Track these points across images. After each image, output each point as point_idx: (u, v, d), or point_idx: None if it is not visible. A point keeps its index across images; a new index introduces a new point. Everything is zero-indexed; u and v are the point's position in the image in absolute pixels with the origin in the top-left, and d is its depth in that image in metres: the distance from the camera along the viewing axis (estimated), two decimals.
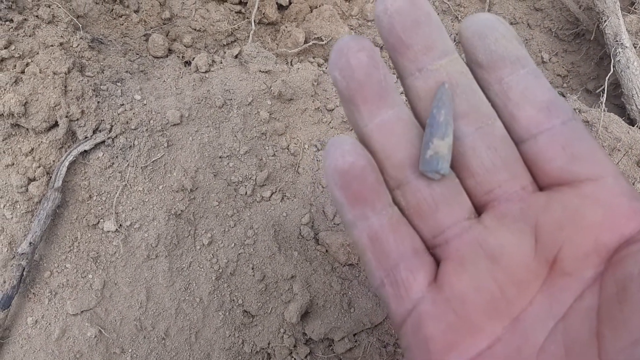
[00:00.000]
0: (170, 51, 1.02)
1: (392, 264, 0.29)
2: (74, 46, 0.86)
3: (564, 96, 1.14)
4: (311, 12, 1.12)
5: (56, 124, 0.80)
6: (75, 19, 0.89)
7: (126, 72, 0.90)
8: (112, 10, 0.99)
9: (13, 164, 0.80)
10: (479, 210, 0.30)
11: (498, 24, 0.28)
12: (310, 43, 1.07)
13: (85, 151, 0.81)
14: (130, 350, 0.81)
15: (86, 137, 0.80)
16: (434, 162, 0.28)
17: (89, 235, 0.82)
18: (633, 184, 0.92)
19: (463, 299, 0.28)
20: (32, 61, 0.81)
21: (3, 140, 0.80)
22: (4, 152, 0.80)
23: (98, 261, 0.82)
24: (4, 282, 0.77)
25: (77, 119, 0.80)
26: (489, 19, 0.28)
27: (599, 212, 0.26)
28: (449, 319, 0.28)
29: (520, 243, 0.28)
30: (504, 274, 0.28)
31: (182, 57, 1.02)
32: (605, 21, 1.09)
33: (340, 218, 0.33)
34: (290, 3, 1.12)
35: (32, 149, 0.80)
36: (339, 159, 0.28)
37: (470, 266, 0.28)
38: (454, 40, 1.23)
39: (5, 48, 0.80)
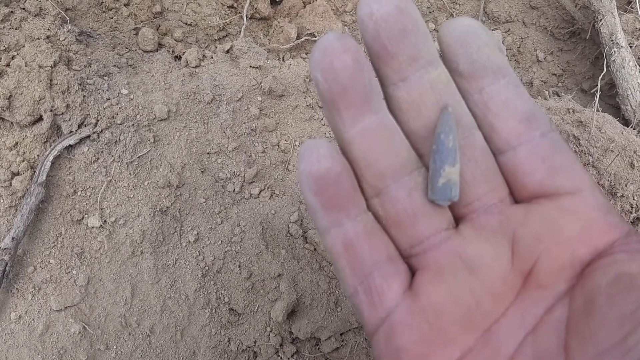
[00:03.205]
0: (160, 45, 1.01)
1: (366, 272, 0.28)
2: (61, 39, 0.85)
3: (559, 95, 1.13)
4: (304, 7, 1.11)
5: (41, 118, 0.79)
6: (63, 12, 0.88)
7: (114, 66, 0.89)
8: (102, 3, 0.98)
9: None
10: (456, 220, 0.30)
11: (481, 31, 0.27)
12: (303, 39, 1.06)
13: (70, 146, 0.80)
14: (115, 347, 0.81)
15: (71, 132, 0.79)
16: (447, 190, 0.27)
17: (73, 231, 0.81)
18: (626, 185, 0.91)
19: (439, 309, 0.27)
20: (17, 54, 0.80)
21: None
22: None
23: (82, 257, 0.81)
24: None
25: (62, 113, 0.79)
26: (471, 25, 0.27)
27: (577, 226, 0.26)
28: (422, 330, 0.27)
29: (498, 255, 0.27)
30: (481, 286, 0.27)
31: (173, 51, 1.01)
32: (601, 20, 1.08)
33: (314, 223, 0.32)
34: None
35: (16, 143, 0.79)
36: (315, 163, 0.27)
37: (448, 276, 0.28)
38: None
39: None
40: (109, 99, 0.83)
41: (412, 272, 0.30)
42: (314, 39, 1.06)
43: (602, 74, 1.01)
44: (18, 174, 0.79)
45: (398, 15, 0.26)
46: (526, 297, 0.27)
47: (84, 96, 0.81)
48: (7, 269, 0.77)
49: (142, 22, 1.01)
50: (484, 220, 0.28)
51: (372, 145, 0.28)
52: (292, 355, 0.83)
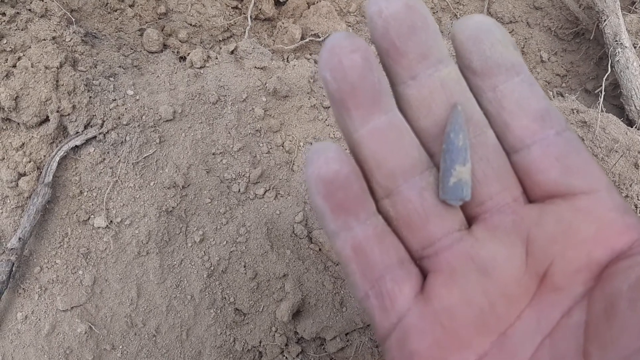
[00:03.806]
0: (165, 46, 1.01)
1: (377, 276, 0.28)
2: (66, 40, 0.85)
3: (563, 96, 1.13)
4: (308, 8, 1.11)
5: (47, 119, 0.79)
6: (68, 13, 0.89)
7: (119, 67, 0.90)
8: (107, 4, 0.98)
9: (3, 158, 0.79)
10: (469, 221, 0.29)
11: (494, 28, 0.26)
12: (307, 40, 1.06)
13: (76, 146, 0.80)
14: (120, 347, 0.81)
15: (77, 132, 0.80)
16: (459, 190, 0.27)
17: (80, 231, 0.82)
18: (630, 185, 0.91)
19: (452, 312, 0.27)
20: (24, 55, 0.80)
21: None
22: None
23: (88, 257, 0.81)
24: None
25: (69, 114, 0.79)
26: (484, 22, 0.26)
27: (593, 226, 0.26)
28: (436, 334, 0.27)
29: (512, 256, 0.27)
30: (495, 288, 0.27)
31: (177, 52, 1.02)
32: (605, 20, 1.08)
33: (323, 228, 0.31)
34: None
35: (23, 144, 0.80)
36: (323, 166, 0.26)
37: (460, 279, 0.27)
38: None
39: None
40: (115, 99, 0.83)
41: (424, 274, 0.29)
42: (318, 39, 1.06)
43: (607, 74, 1.02)
44: (25, 174, 0.79)
45: (407, 12, 0.26)
46: (542, 300, 0.26)
47: (90, 97, 0.81)
48: (13, 269, 0.77)
49: (147, 23, 1.02)
50: (497, 220, 0.28)
51: (382, 145, 0.27)
52: (297, 355, 0.83)
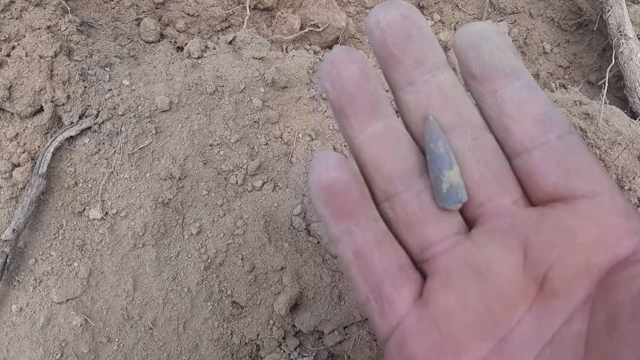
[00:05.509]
0: (162, 36, 1.00)
1: (376, 280, 0.28)
2: (62, 29, 0.84)
3: (566, 88, 1.12)
4: None
5: (41, 109, 0.78)
6: (64, 2, 0.87)
7: (115, 56, 0.88)
8: None
9: None
10: (469, 224, 0.29)
11: (493, 35, 0.27)
12: (306, 30, 1.05)
13: (71, 137, 0.79)
14: (117, 340, 0.80)
15: (72, 123, 0.79)
16: (454, 194, 0.28)
17: (75, 223, 0.81)
18: (634, 178, 0.90)
19: (449, 317, 0.27)
20: (18, 44, 0.79)
21: None
22: None
23: (84, 249, 0.80)
24: None
25: (63, 104, 0.78)
26: (483, 29, 0.27)
27: (592, 231, 0.25)
28: (433, 338, 0.27)
29: (508, 260, 0.27)
30: (491, 292, 0.27)
31: (175, 42, 1.00)
32: (608, 11, 1.07)
33: (325, 233, 0.32)
34: None
35: (17, 134, 0.79)
36: (323, 173, 0.28)
37: (457, 283, 0.27)
38: (453, 30, 1.21)
39: None
40: (111, 89, 0.82)
41: (424, 278, 0.29)
42: (317, 29, 1.05)
43: (610, 66, 1.00)
44: (19, 165, 0.78)
45: (403, 21, 0.27)
46: (542, 306, 0.26)
47: (85, 87, 0.80)
48: (7, 261, 0.76)
49: (144, 12, 1.00)
50: (495, 223, 0.28)
51: (380, 149, 0.29)
52: (295, 349, 0.82)
